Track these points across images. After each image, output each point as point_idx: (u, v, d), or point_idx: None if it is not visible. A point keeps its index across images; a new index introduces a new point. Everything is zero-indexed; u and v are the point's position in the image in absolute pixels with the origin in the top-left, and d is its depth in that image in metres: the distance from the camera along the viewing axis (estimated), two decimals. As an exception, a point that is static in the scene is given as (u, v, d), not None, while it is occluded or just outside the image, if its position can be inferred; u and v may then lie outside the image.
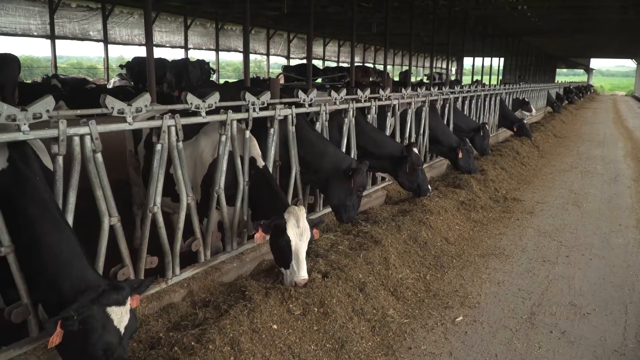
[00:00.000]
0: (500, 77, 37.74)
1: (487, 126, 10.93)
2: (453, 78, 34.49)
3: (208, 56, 27.07)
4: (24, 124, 3.03)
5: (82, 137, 3.39)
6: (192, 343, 3.54)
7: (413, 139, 8.79)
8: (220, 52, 28.43)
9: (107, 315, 2.82)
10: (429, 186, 7.19)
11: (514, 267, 6.21)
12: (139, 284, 3.15)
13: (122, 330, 2.88)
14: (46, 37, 19.56)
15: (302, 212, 4.46)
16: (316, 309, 4.28)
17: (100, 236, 3.65)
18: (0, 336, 3.35)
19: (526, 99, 19.14)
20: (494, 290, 5.54)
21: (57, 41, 19.83)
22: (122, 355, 2.88)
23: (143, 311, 3.98)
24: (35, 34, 19.26)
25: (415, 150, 6.97)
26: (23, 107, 3.05)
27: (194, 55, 26.38)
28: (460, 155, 9.07)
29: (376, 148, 7.08)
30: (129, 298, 2.96)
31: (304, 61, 30.52)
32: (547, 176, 11.71)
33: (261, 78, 23.59)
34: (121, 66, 20.73)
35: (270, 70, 33.66)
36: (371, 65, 39.04)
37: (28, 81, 18.78)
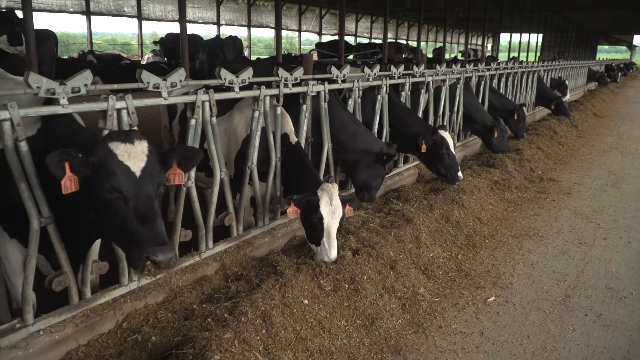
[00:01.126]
0: (538, 54, 36.71)
1: (524, 108, 10.60)
2: (488, 55, 33.70)
3: (239, 32, 27.02)
4: (63, 98, 3.09)
5: (119, 111, 3.44)
6: (225, 315, 3.60)
7: (447, 117, 8.65)
8: (251, 28, 28.36)
9: (109, 150, 2.78)
10: (460, 174, 6.97)
11: (548, 248, 6.10)
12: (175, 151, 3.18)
13: (134, 170, 2.79)
14: (82, 13, 19.83)
15: (335, 189, 4.46)
16: (347, 286, 4.30)
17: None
18: (41, 304, 3.47)
19: (566, 82, 18.30)
20: (527, 271, 5.47)
21: (92, 17, 20.08)
22: (146, 203, 2.77)
23: (177, 283, 4.06)
24: (71, 10, 19.54)
25: (444, 133, 6.74)
26: (62, 81, 3.10)
27: (226, 31, 26.39)
28: (495, 134, 8.91)
29: (406, 127, 6.97)
30: (140, 140, 2.88)
31: (336, 37, 30.23)
32: (585, 156, 11.41)
33: (293, 54, 23.47)
34: (155, 42, 20.91)
35: (302, 47, 33.43)
36: (404, 42, 38.41)
37: (65, 57, 19.11)
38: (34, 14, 7.17)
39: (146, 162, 2.85)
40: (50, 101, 3.16)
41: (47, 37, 11.55)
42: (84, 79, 3.18)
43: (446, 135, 6.77)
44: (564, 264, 5.68)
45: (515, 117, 10.29)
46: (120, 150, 2.79)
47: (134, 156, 2.81)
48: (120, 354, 3.39)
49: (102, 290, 3.70)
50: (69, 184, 2.74)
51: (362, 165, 5.84)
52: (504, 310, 4.65)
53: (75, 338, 3.39)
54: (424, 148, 6.62)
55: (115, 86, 3.58)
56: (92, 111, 3.32)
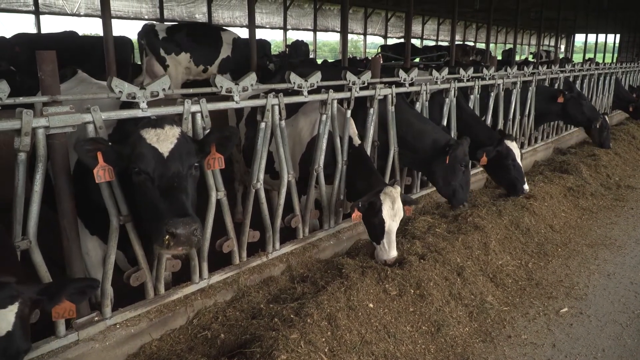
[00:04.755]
0: (616, 55, 34.96)
1: (606, 117, 10.00)
2: (562, 56, 32.41)
3: (305, 36, 27.30)
4: (143, 102, 3.24)
5: (193, 114, 3.56)
6: (292, 316, 3.65)
7: (517, 120, 8.37)
8: (317, 33, 28.58)
9: (140, 136, 2.90)
10: (526, 186, 6.62)
11: (626, 259, 5.80)
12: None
13: (163, 151, 2.88)
14: (156, 20, 20.62)
15: (397, 192, 4.46)
16: (412, 291, 4.25)
17: (207, 209, 3.83)
18: (117, 298, 3.64)
19: None
20: (603, 282, 5.21)
21: (166, 24, 20.85)
22: (172, 182, 2.83)
23: (245, 282, 4.16)
24: (146, 17, 20.34)
25: (510, 143, 6.38)
26: (142, 85, 3.25)
27: (292, 35, 26.72)
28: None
29: (472, 135, 6.68)
30: (172, 125, 2.99)
31: (401, 40, 29.96)
32: (667, 163, 10.74)
33: (357, 58, 23.47)
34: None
35: (367, 50, 33.33)
36: (471, 44, 37.56)
37: (139, 62, 19.93)
38: (112, 21, 7.56)
39: (175, 145, 2.93)
40: (127, 104, 3.32)
41: (123, 44, 12.11)
42: (162, 84, 3.32)
43: (513, 145, 6.40)
44: (644, 276, 5.38)
45: (598, 125, 9.73)
46: (150, 134, 2.91)
47: (163, 139, 2.91)
48: (190, 350, 3.51)
49: (174, 287, 3.84)
50: (102, 173, 2.86)
51: (435, 166, 5.55)
52: (577, 322, 4.46)
53: (149, 332, 3.54)
54: (484, 160, 6.25)
55: (191, 90, 3.71)
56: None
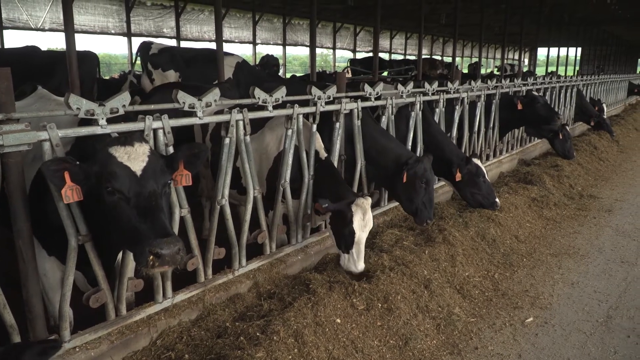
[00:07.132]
0: (577, 68, 35.98)
1: (567, 127, 10.26)
2: (526, 69, 33.18)
3: (275, 51, 27.40)
4: (102, 119, 3.17)
5: (155, 131, 3.51)
6: (257, 334, 3.60)
7: (482, 133, 8.52)
8: (286, 47, 28.72)
9: (109, 154, 2.83)
10: (497, 200, 6.56)
11: (589, 267, 5.92)
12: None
13: (135, 170, 2.82)
14: (123, 34, 20.41)
15: (368, 204, 4.46)
16: (380, 305, 4.25)
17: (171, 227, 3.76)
18: (77, 320, 3.53)
19: (603, 105, 16.87)
20: (567, 291, 5.30)
21: (133, 38, 20.64)
22: (149, 201, 2.78)
23: (211, 300, 4.09)
24: (112, 31, 20.14)
25: (477, 161, 6.43)
26: (101, 102, 3.19)
27: (262, 50, 26.78)
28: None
29: (439, 151, 6.62)
30: (142, 142, 2.92)
31: (370, 54, 30.31)
32: (627, 172, 11.06)
33: (327, 72, 23.64)
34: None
35: (336, 64, 33.63)
36: (439, 58, 38.22)
37: (106, 77, 19.67)
38: (76, 35, 7.44)
39: (147, 163, 2.88)
40: (88, 120, 3.25)
41: (89, 59, 11.93)
42: (122, 100, 3.26)
43: (480, 163, 6.47)
44: (606, 283, 5.50)
45: (561, 136, 9.92)
46: (120, 152, 2.85)
47: (134, 157, 2.85)
48: (154, 371, 3.43)
49: (137, 307, 3.75)
50: (70, 193, 2.78)
51: (396, 182, 5.54)
52: (543, 332, 4.52)
53: (110, 355, 3.44)
54: (458, 176, 6.30)
55: (152, 106, 3.66)
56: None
